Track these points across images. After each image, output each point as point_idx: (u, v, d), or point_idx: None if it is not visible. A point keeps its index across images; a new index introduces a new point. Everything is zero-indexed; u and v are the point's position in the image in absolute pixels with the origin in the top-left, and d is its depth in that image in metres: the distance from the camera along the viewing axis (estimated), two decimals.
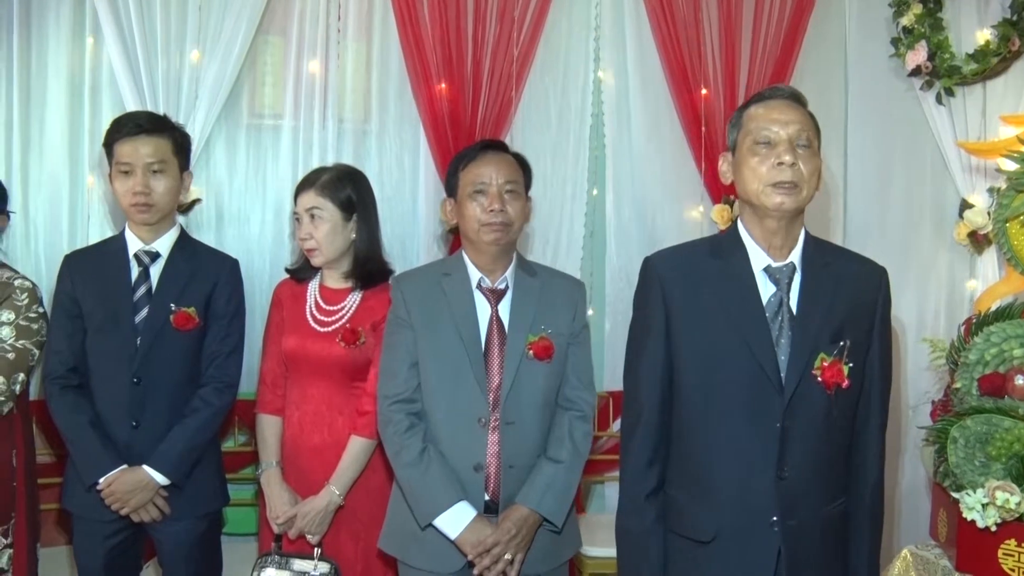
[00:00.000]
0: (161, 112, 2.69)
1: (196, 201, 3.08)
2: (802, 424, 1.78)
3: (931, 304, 3.54)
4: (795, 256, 1.86)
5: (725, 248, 1.89)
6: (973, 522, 2.12)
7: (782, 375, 1.78)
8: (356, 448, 2.41)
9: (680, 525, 1.86)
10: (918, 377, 3.46)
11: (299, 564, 2.38)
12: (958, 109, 3.41)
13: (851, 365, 1.80)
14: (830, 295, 1.83)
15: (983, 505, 2.12)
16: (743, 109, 1.89)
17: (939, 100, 3.40)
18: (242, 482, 3.01)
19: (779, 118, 1.81)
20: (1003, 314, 2.32)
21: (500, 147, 2.32)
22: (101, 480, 2.31)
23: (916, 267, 3.54)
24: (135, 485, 2.32)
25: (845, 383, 1.78)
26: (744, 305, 1.82)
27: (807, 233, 1.89)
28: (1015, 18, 3.21)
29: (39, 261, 3.01)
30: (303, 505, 2.40)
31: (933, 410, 2.51)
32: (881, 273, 1.92)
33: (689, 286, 1.86)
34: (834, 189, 3.56)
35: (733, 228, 1.91)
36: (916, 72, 3.39)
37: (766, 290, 1.83)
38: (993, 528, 2.11)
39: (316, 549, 2.39)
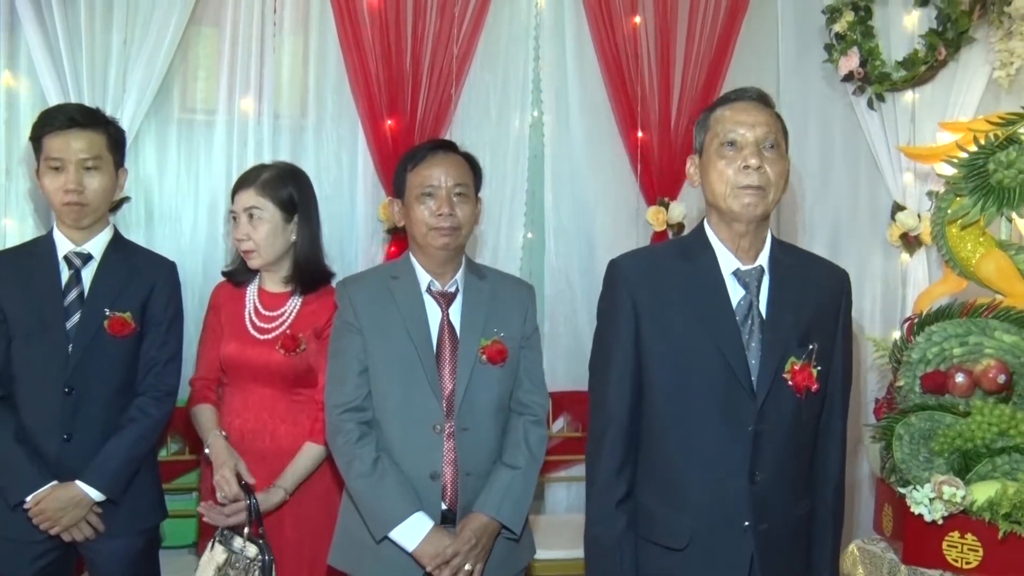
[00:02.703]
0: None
1: (125, 199, 2.94)
2: (773, 428, 1.78)
3: (867, 304, 3.63)
4: (763, 259, 1.85)
5: (693, 251, 1.86)
6: (920, 516, 2.17)
7: (753, 379, 1.77)
8: (311, 453, 2.34)
9: (652, 532, 1.83)
10: (863, 375, 3.54)
11: (237, 543, 2.26)
12: (889, 114, 3.51)
13: (819, 368, 1.80)
14: (797, 298, 1.83)
15: (930, 500, 2.17)
16: (710, 111, 1.86)
17: (871, 105, 3.51)
18: (177, 492, 2.89)
19: (746, 120, 1.79)
20: (944, 314, 2.39)
21: (450, 147, 2.25)
22: (28, 498, 2.17)
23: (851, 269, 3.58)
24: (67, 502, 2.18)
25: (815, 386, 1.79)
26: (714, 309, 1.80)
27: (773, 236, 1.89)
28: (942, 29, 3.33)
29: None
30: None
31: (877, 407, 2.57)
32: (844, 276, 1.94)
33: (657, 289, 1.83)
34: None
35: (700, 231, 1.88)
36: (848, 78, 3.49)
37: (735, 293, 1.82)
38: (940, 521, 2.17)
39: (245, 529, 2.26)
